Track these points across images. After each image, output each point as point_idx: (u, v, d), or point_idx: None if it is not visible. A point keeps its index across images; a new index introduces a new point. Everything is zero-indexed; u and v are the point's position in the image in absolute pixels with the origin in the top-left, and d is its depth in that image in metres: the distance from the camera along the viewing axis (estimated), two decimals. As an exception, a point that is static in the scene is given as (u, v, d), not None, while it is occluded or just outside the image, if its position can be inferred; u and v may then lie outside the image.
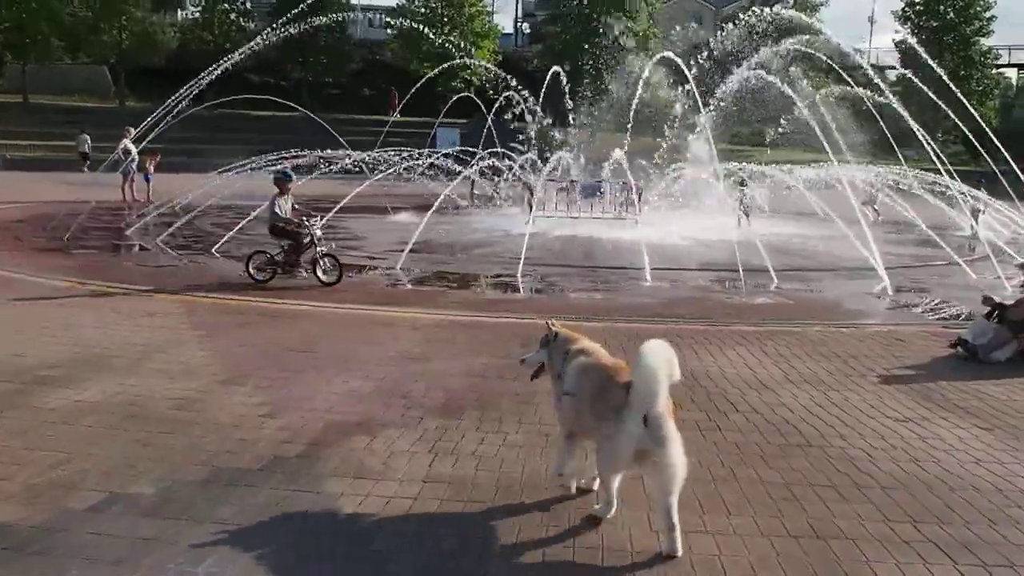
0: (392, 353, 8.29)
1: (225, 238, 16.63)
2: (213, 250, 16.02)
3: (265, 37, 25.39)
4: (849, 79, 31.53)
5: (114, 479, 4.93)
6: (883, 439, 6.04)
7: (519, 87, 30.40)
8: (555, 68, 31.12)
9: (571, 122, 31.70)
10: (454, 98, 38.83)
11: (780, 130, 31.63)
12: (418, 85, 36.15)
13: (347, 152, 21.95)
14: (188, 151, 39.60)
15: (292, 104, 31.49)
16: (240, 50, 22.58)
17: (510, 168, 25.52)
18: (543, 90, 30.05)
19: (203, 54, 49.22)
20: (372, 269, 14.56)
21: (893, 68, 67.68)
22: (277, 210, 12.33)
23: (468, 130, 48.93)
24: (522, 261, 13.81)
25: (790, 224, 22.68)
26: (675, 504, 4.21)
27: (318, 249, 12.36)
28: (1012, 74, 74.73)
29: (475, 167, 23.16)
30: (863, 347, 9.06)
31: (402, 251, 15.05)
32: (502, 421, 6.22)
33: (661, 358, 4.14)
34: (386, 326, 9.66)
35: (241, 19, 63.13)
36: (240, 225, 17.32)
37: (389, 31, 75.95)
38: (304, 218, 12.52)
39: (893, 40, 66.47)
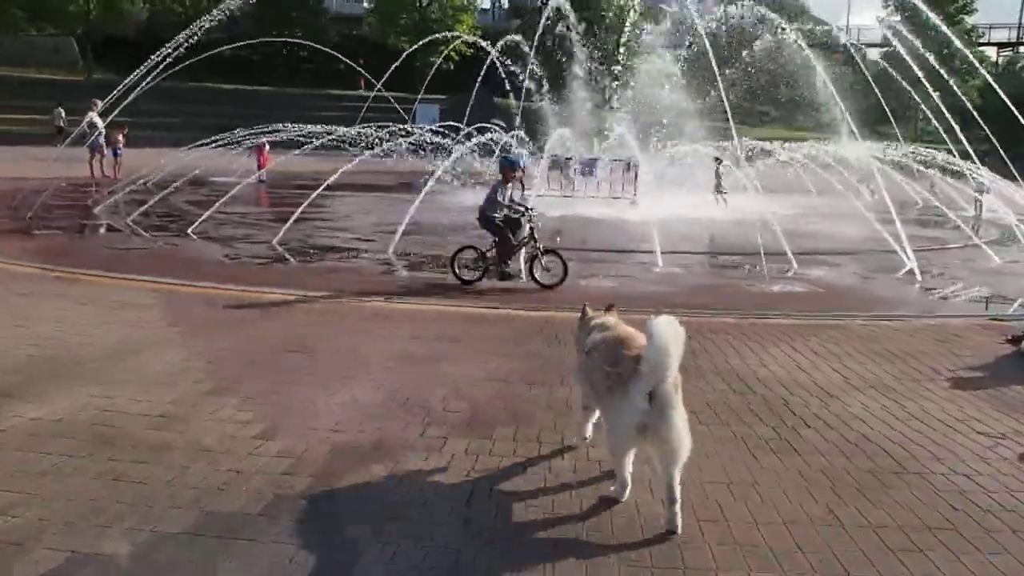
0: (397, 352, 7.33)
1: (202, 218, 15.55)
2: (189, 231, 14.92)
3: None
4: (857, 51, 30.95)
5: (79, 531, 3.94)
6: (986, 462, 5.17)
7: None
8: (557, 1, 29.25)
9: (572, 73, 30.24)
10: (432, 69, 37.47)
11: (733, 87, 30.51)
12: (397, 63, 34.90)
13: (331, 128, 20.88)
14: (156, 124, 38.41)
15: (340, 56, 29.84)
16: (209, 17, 21.53)
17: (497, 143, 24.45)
18: (540, 30, 28.66)
19: (174, 25, 47.52)
20: (362, 253, 13.53)
21: (877, 46, 67.62)
22: (500, 197, 10.63)
23: (447, 105, 47.85)
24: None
25: (787, 202, 21.72)
26: (677, 478, 4.16)
27: (537, 245, 10.78)
28: (992, 52, 74.51)
29: (464, 143, 22.09)
30: (917, 344, 8.20)
31: (390, 232, 14.08)
32: (541, 442, 5.28)
33: (672, 334, 3.99)
34: (385, 319, 8.67)
35: (217, -8, 61.27)
36: (216, 204, 16.25)
37: (366, 4, 74.60)
38: (526, 209, 10.89)
39: (877, 17, 66.06)
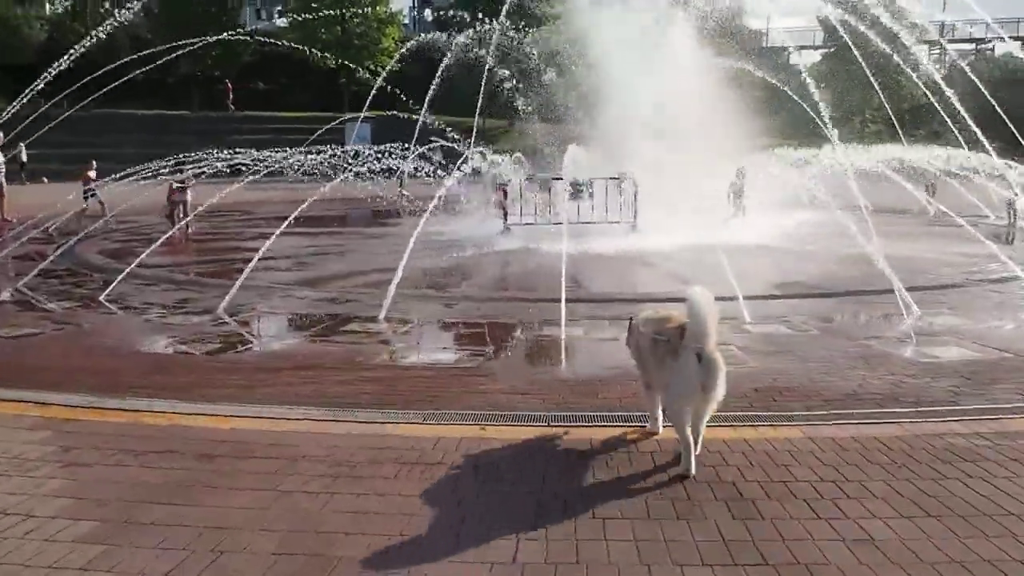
0: (484, 558, 4.01)
1: (120, 276, 11.89)
2: (102, 297, 11.29)
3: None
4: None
5: None
6: None
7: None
8: None
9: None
10: (375, 87, 34.25)
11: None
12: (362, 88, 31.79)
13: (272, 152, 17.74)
14: (60, 156, 34.97)
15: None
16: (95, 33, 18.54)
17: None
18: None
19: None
20: (346, 324, 9.97)
21: (820, 47, 66.89)
22: None
23: (375, 124, 44.89)
24: (563, 302, 9.40)
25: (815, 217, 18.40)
26: (703, 428, 4.83)
27: None
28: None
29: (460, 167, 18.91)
30: None
31: (369, 286, 10.89)
32: None
33: (708, 303, 4.56)
34: (432, 470, 5.06)
35: (117, 10, 56.81)
36: (140, 256, 12.71)
37: (282, 20, 72.18)
38: None
39: (817, 17, 64.79)
